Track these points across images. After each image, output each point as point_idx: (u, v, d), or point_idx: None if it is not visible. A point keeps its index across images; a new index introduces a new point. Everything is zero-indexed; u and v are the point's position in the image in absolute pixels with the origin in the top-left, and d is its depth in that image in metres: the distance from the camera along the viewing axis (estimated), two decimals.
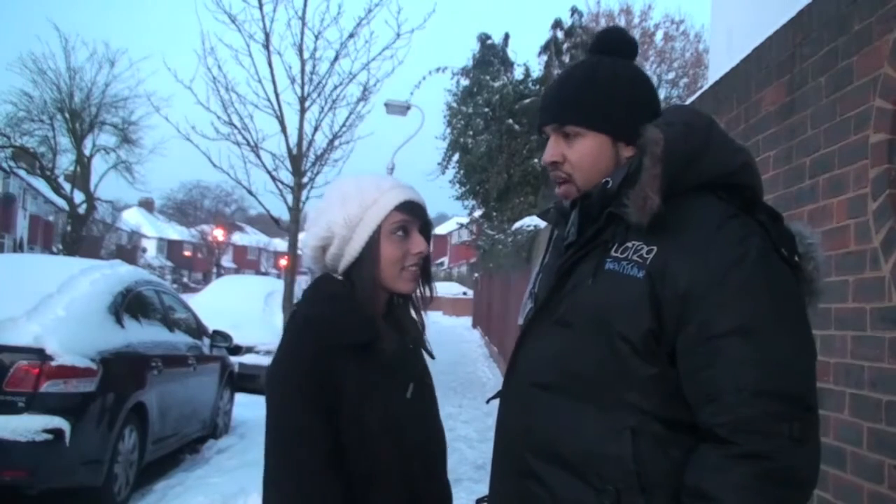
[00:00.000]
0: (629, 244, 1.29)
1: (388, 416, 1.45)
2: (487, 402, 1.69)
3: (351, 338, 1.44)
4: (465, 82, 16.07)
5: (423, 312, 1.64)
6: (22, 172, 30.93)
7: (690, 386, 1.23)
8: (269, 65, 9.18)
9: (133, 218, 59.13)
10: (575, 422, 1.28)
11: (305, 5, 9.37)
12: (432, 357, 1.66)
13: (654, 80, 20.38)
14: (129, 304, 5.38)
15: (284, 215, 7.99)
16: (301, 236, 1.58)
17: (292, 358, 1.44)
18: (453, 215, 43.09)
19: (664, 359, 1.25)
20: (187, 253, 67.43)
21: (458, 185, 17.04)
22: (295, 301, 1.55)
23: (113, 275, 5.51)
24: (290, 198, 7.70)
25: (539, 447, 1.32)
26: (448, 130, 16.71)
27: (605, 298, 1.27)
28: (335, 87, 9.53)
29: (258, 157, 9.27)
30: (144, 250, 59.27)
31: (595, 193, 1.37)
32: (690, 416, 1.23)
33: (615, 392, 1.25)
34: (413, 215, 1.52)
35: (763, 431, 1.16)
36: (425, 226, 1.55)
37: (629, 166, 1.34)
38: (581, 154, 1.38)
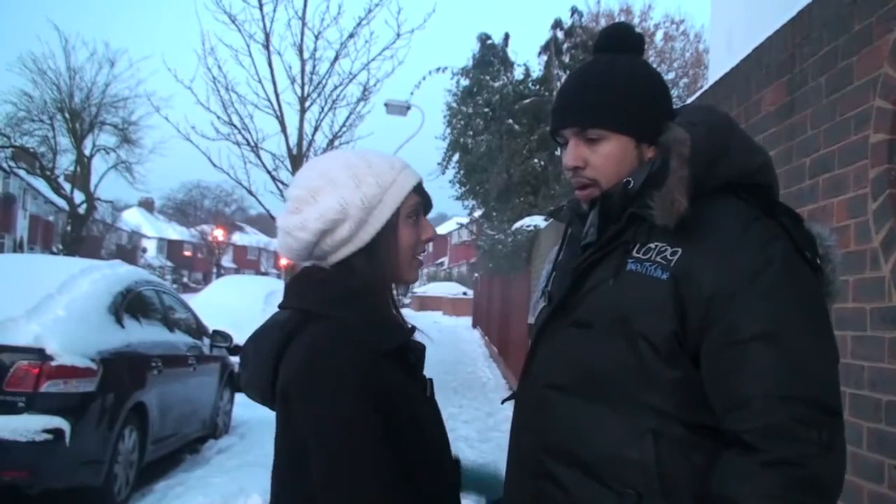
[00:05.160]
0: (652, 245, 1.27)
1: (433, 420, 1.36)
2: (503, 402, 1.67)
3: (390, 341, 1.29)
4: (465, 82, 16.08)
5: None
6: (22, 172, 30.98)
7: (715, 391, 1.21)
8: (269, 65, 9.19)
9: (133, 218, 59.17)
10: (594, 424, 1.26)
11: (305, 5, 9.38)
12: (433, 342, 1.57)
13: None
14: (129, 304, 5.38)
15: None
16: (285, 219, 1.36)
17: (342, 371, 1.21)
18: (453, 215, 43.07)
19: (688, 362, 1.22)
20: (187, 253, 67.43)
21: (458, 185, 17.06)
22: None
23: (113, 275, 5.50)
24: None
25: (556, 449, 1.29)
26: (448, 130, 16.73)
27: (628, 299, 1.25)
28: (335, 88, 9.54)
29: (258, 157, 9.28)
30: (144, 250, 59.26)
31: (616, 193, 1.34)
32: (713, 419, 1.21)
33: (636, 394, 1.23)
34: (424, 198, 1.40)
35: (791, 438, 1.13)
36: (427, 210, 1.44)
37: (651, 166, 1.32)
38: (605, 158, 1.34)
